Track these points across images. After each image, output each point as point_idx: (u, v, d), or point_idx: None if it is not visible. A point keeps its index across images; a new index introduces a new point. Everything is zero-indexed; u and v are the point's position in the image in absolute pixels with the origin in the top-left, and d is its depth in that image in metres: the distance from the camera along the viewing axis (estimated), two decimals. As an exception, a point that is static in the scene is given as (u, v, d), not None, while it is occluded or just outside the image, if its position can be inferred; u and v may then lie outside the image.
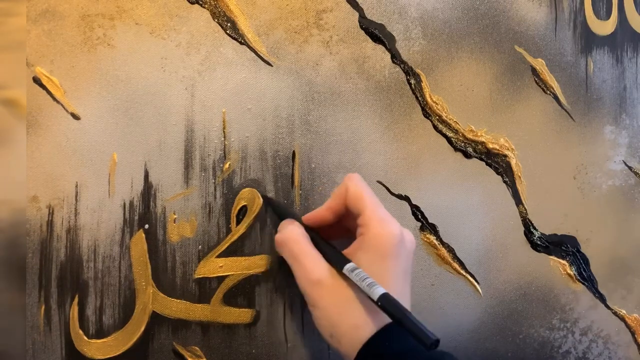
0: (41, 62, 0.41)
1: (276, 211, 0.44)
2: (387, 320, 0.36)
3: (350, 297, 0.36)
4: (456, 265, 0.50)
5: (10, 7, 0.38)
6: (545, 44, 0.53)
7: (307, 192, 0.45)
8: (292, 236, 0.39)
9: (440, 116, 0.49)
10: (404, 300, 0.37)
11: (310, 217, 0.41)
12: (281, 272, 0.44)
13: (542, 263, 0.53)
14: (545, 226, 0.53)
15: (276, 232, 0.42)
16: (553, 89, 0.53)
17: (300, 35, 0.46)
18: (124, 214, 0.42)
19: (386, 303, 0.34)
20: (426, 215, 0.49)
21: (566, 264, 0.53)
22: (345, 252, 0.39)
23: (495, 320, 0.51)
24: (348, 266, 0.36)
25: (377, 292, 0.34)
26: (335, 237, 0.42)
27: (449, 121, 0.50)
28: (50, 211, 0.40)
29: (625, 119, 0.56)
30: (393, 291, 0.35)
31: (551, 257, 0.53)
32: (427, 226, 0.49)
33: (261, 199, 0.44)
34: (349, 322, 0.36)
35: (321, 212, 0.41)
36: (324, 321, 0.37)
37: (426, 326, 0.33)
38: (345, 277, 0.37)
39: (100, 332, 0.41)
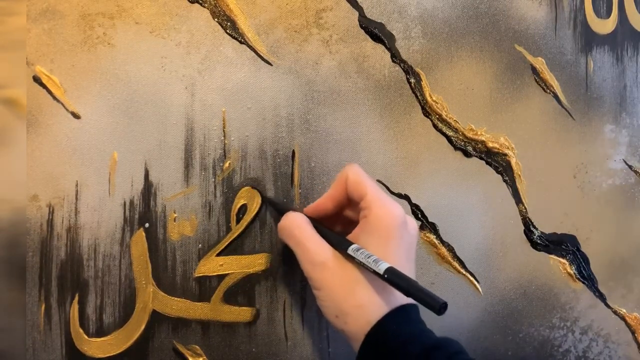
0: (41, 61, 0.41)
1: (277, 208, 0.44)
2: (392, 302, 0.36)
3: (355, 277, 0.36)
4: (456, 264, 0.50)
5: (10, 6, 0.38)
6: (545, 43, 0.53)
7: (307, 191, 0.45)
8: (295, 222, 0.40)
9: (440, 115, 0.49)
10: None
11: (311, 207, 0.42)
12: (281, 270, 0.44)
13: (542, 262, 0.53)
14: (545, 225, 0.53)
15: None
16: (553, 87, 0.53)
17: (300, 35, 0.46)
18: (124, 212, 0.42)
19: (392, 276, 0.34)
20: (426, 214, 0.49)
21: (566, 262, 0.53)
22: (348, 236, 0.39)
23: (495, 319, 0.51)
24: (353, 247, 0.37)
25: (383, 266, 0.35)
26: (336, 229, 0.42)
27: (448, 120, 0.50)
28: (51, 210, 0.40)
29: (626, 118, 0.56)
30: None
31: (551, 256, 0.53)
32: (427, 225, 0.49)
33: (261, 198, 0.44)
34: (354, 302, 0.36)
35: (322, 202, 0.41)
36: (329, 302, 0.37)
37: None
38: (349, 259, 0.37)
39: (101, 331, 0.41)
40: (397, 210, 0.38)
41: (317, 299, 0.38)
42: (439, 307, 0.33)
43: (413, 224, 0.39)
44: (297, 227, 0.39)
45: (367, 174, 0.40)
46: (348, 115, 0.47)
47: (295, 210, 0.42)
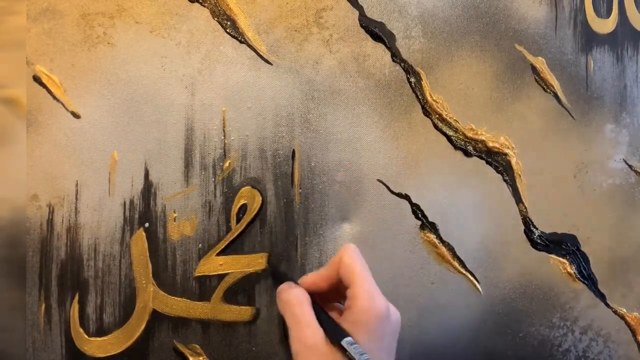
0: (41, 61, 0.41)
1: (277, 276, 0.43)
2: None
3: None
4: (456, 264, 0.50)
5: (11, 6, 0.38)
6: (545, 43, 0.53)
7: (307, 190, 0.45)
8: (298, 299, 0.39)
9: (440, 115, 0.49)
10: None
11: (307, 282, 0.41)
12: (281, 270, 0.44)
13: (542, 262, 0.53)
14: (545, 225, 0.53)
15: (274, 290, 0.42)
16: (553, 87, 0.53)
17: (300, 34, 0.46)
18: (124, 212, 0.42)
19: None
20: (426, 213, 0.49)
21: (566, 262, 0.53)
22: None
23: (495, 318, 0.51)
24: (347, 339, 0.37)
25: None
26: (329, 300, 0.42)
27: (449, 120, 0.50)
28: (51, 210, 0.40)
29: (626, 118, 0.56)
30: None
31: (551, 255, 0.53)
32: (427, 225, 0.49)
33: (261, 198, 0.44)
34: None
35: (317, 281, 0.41)
36: None
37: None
38: (339, 349, 0.37)
39: (101, 331, 0.41)
40: (381, 304, 0.38)
41: None
42: None
43: (396, 315, 0.39)
44: (298, 304, 0.39)
45: (361, 258, 0.40)
46: (348, 115, 0.47)
47: (294, 282, 0.41)
